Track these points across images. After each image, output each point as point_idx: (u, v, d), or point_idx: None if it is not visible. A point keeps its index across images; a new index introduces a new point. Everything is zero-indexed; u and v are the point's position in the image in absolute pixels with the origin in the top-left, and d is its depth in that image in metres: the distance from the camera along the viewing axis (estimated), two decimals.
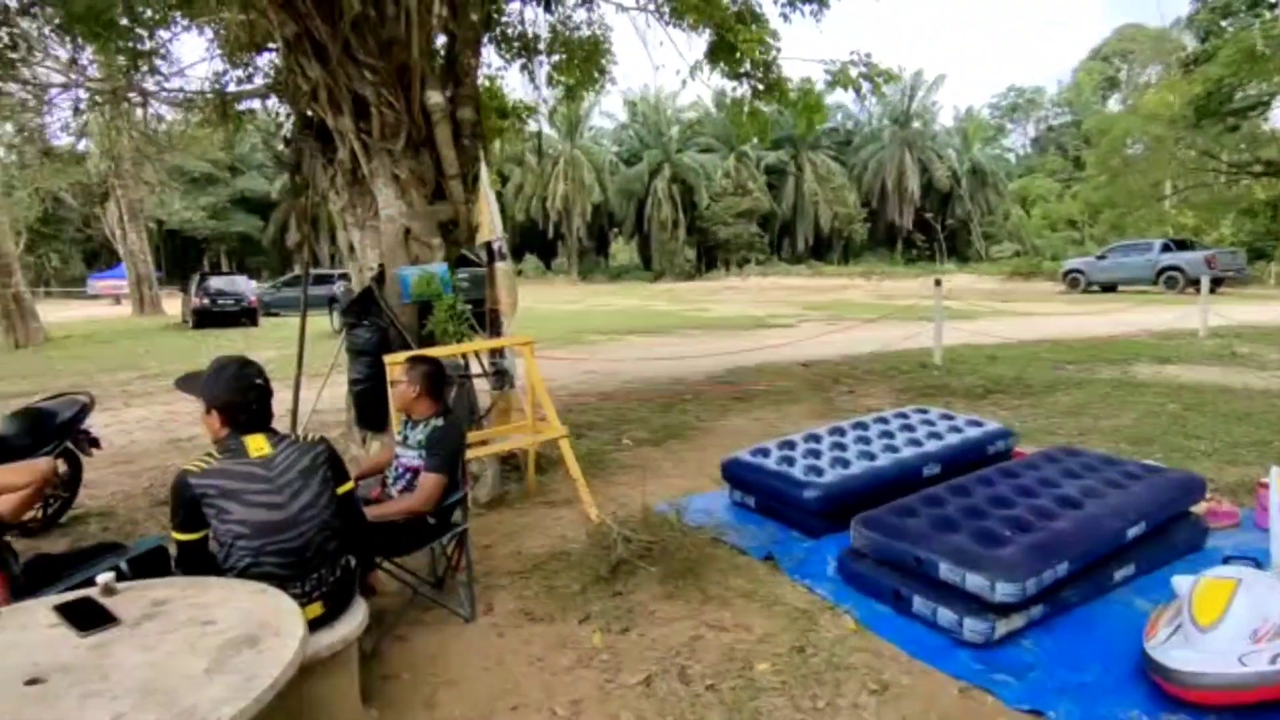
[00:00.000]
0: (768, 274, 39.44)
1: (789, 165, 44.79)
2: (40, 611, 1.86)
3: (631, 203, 44.44)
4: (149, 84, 5.84)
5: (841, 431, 4.39)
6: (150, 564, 2.53)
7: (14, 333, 15.24)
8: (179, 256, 42.11)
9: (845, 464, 3.90)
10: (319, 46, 4.14)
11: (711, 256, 45.82)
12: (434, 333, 4.55)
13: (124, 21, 6.68)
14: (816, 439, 4.27)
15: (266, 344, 15.18)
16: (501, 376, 4.74)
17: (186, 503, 2.14)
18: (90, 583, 2.29)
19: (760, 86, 7.89)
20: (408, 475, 3.09)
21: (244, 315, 18.77)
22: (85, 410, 4.57)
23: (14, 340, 15.10)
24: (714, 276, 41.56)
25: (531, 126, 9.40)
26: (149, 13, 5.70)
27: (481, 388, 5.03)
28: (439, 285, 4.52)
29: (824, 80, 6.16)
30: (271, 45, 4.75)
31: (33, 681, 1.55)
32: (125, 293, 28.57)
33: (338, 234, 4.81)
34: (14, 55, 7.04)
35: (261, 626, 1.75)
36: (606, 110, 38.71)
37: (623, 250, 51.10)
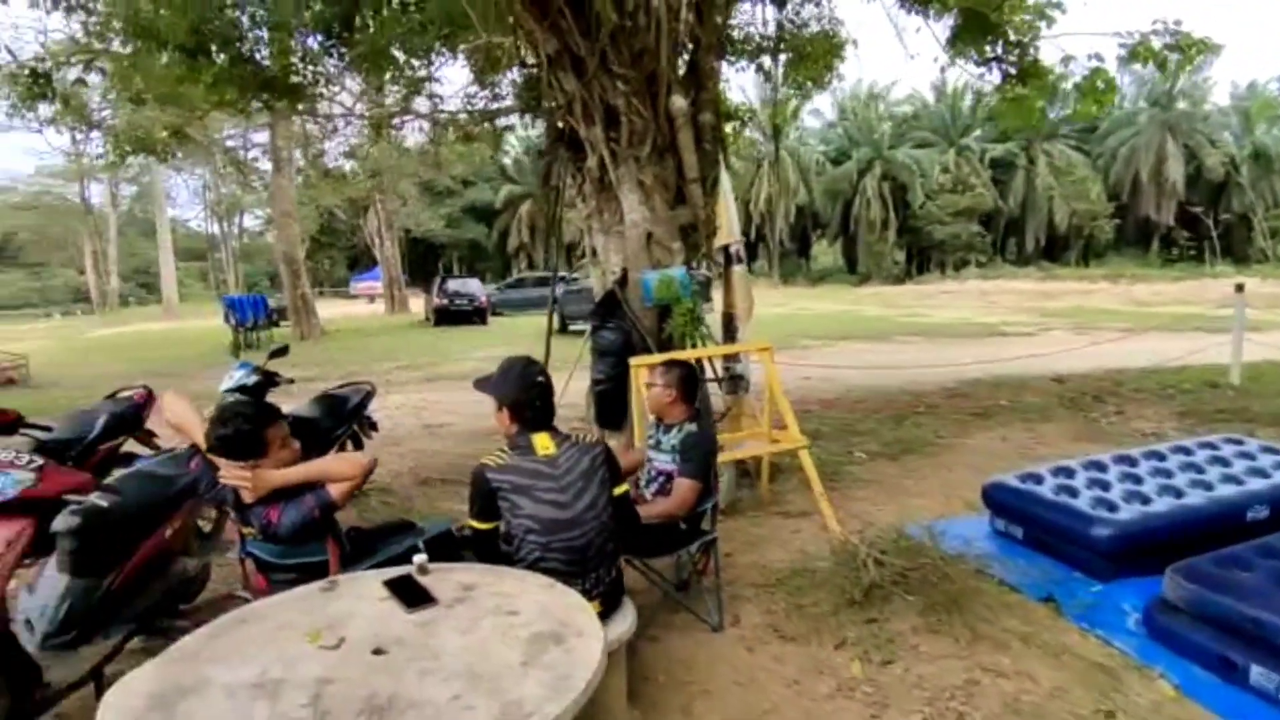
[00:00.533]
0: (989, 277, 36.14)
1: (1019, 158, 40.69)
2: (371, 583, 2.05)
3: (838, 203, 42.87)
4: (422, 108, 6.51)
5: (1131, 460, 3.80)
6: (438, 545, 2.75)
7: (300, 326, 18.00)
8: (419, 261, 47.38)
9: (1144, 499, 3.35)
10: (576, 61, 4.35)
11: (924, 258, 42.94)
12: (672, 336, 4.60)
13: (401, 56, 7.58)
14: (1100, 467, 3.73)
15: (495, 341, 16.54)
16: (736, 381, 4.68)
17: (484, 494, 2.27)
18: (400, 559, 2.53)
19: (1013, 71, 7.16)
20: (661, 479, 3.10)
21: (475, 314, 20.62)
22: (368, 398, 5.17)
23: (300, 333, 17.81)
24: (927, 279, 38.88)
25: (749, 131, 9.31)
26: (419, 44, 6.32)
27: (711, 391, 5.01)
28: (678, 289, 4.54)
29: (1119, 55, 5.38)
30: (528, 64, 5.06)
31: (378, 651, 1.70)
32: (378, 293, 32.66)
33: (584, 238, 5.01)
34: (314, 90, 8.26)
35: (562, 624, 1.80)
36: (813, 109, 37.61)
37: (825, 252, 49.53)
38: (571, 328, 16.92)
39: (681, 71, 4.72)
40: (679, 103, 4.52)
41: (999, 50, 7.02)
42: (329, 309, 29.79)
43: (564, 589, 2.00)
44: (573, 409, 6.31)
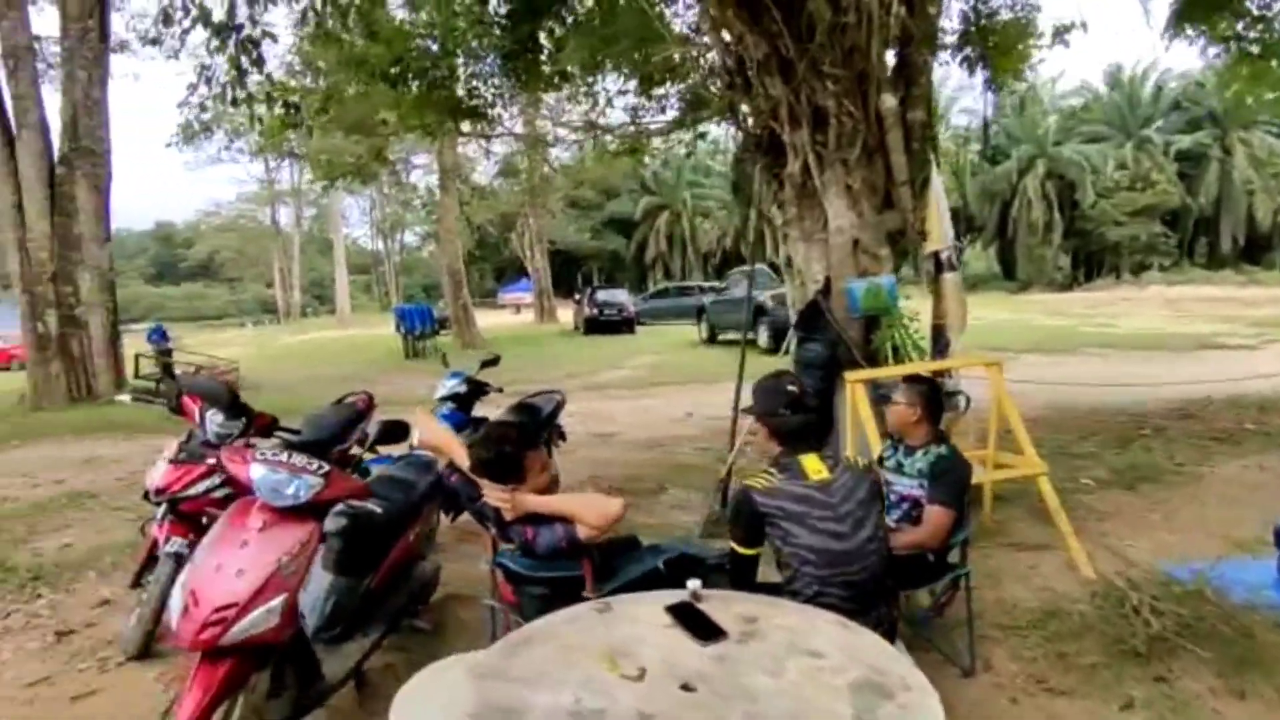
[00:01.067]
0: (1175, 282, 32.49)
1: (1211, 149, 36.33)
2: (646, 608, 1.97)
3: (994, 205, 40.08)
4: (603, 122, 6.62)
5: None
6: (675, 568, 2.66)
7: (462, 335, 19.05)
8: (561, 272, 49.06)
9: None
10: (784, 64, 4.20)
11: (1092, 263, 39.27)
12: (878, 349, 4.34)
13: (577, 72, 7.79)
14: None
15: (645, 350, 16.73)
16: (951, 399, 4.33)
17: (749, 517, 2.15)
18: (644, 580, 2.47)
19: (1254, 49, 6.31)
20: (905, 505, 2.87)
21: (624, 324, 20.96)
22: (559, 407, 5.24)
23: (461, 341, 18.84)
24: (1098, 286, 35.47)
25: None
26: (605, 60, 6.44)
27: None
28: (886, 298, 4.28)
29: None
30: (725, 71, 4.96)
31: (685, 687, 1.60)
32: (525, 303, 34.06)
33: (780, 247, 4.84)
34: (493, 111, 8.66)
35: (878, 673, 1.63)
36: (967, 107, 35.26)
37: (978, 257, 46.43)
38: (721, 338, 16.83)
39: (892, 68, 4.47)
40: (889, 101, 4.26)
41: (1239, 27, 6.21)
42: (481, 318, 31.43)
43: (860, 629, 1.84)
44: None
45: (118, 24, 13.17)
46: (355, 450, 4.42)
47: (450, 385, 4.50)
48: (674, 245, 46.07)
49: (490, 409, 5.08)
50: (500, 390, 4.84)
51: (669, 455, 6.87)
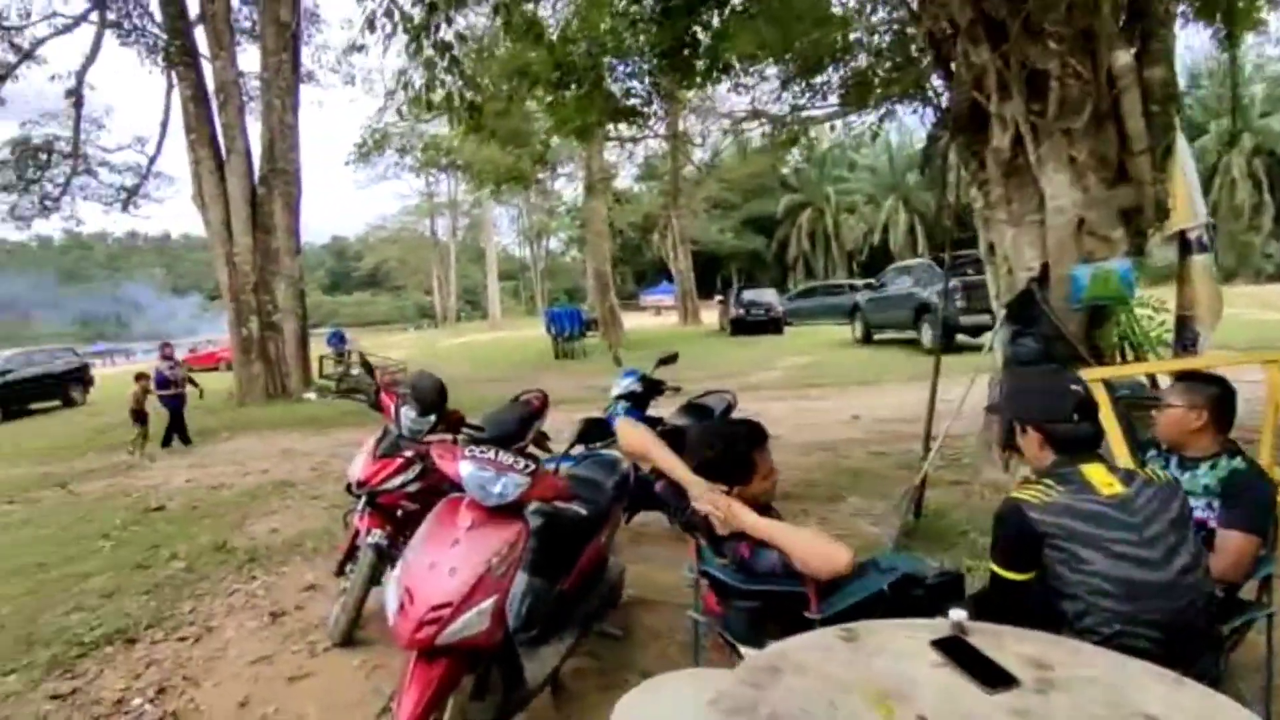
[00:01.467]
0: None
1: None
2: (904, 639, 1.69)
3: None
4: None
5: None
6: (899, 590, 2.35)
7: (609, 336, 19.36)
8: (701, 273, 48.87)
9: None
10: (992, 28, 3.76)
11: None
12: (1106, 344, 3.78)
13: (736, 64, 7.56)
14: None
15: (795, 351, 16.17)
16: None
17: (1021, 536, 1.81)
18: (871, 602, 2.18)
19: None
20: None
21: (770, 324, 20.39)
22: (730, 408, 5.02)
23: (609, 342, 19.14)
24: None
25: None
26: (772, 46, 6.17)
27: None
28: (1119, 285, 3.71)
29: None
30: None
31: None
32: (666, 305, 34.19)
33: (980, 234, 4.35)
34: (649, 108, 8.60)
35: None
36: None
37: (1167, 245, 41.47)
38: (877, 338, 15.96)
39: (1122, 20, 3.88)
40: (1123, 58, 3.70)
41: None
42: (624, 321, 31.86)
43: (1205, 690, 1.46)
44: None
45: (305, 58, 14.43)
46: (533, 448, 4.43)
47: (626, 384, 4.40)
48: (817, 243, 44.67)
49: (660, 409, 4.95)
50: (678, 390, 4.69)
51: (840, 459, 6.47)
